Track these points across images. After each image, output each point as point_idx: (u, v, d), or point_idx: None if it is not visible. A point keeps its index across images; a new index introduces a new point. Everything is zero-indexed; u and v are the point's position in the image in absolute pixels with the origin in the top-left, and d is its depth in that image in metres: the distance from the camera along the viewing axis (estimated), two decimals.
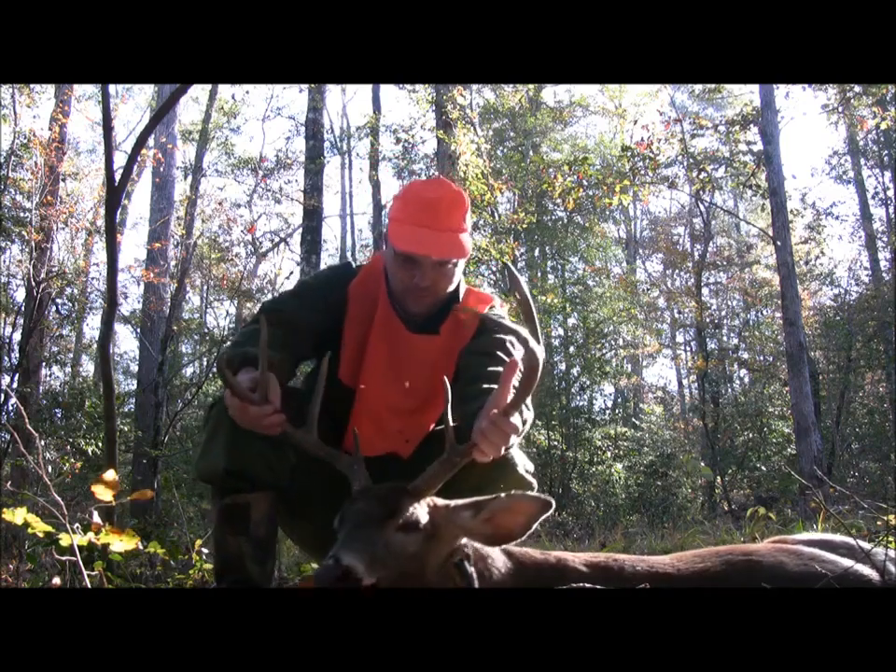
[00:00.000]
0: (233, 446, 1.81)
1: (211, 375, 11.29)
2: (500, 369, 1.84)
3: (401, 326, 2.03)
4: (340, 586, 1.30)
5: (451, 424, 1.53)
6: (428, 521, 1.49)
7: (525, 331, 2.05)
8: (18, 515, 1.82)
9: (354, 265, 2.17)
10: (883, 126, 9.72)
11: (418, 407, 2.01)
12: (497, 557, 1.61)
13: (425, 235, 1.90)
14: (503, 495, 1.52)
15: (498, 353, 1.92)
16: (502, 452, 1.56)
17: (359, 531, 1.42)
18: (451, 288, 2.05)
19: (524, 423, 1.76)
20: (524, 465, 1.85)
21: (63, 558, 1.88)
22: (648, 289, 17.45)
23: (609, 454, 11.20)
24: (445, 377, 1.65)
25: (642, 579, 1.59)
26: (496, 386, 1.72)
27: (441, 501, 1.54)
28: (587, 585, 1.43)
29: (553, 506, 1.49)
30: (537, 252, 15.99)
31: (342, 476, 1.71)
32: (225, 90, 14.68)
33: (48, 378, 10.91)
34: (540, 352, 1.54)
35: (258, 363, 1.66)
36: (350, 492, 1.60)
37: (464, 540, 1.55)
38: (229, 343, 1.99)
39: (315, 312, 1.96)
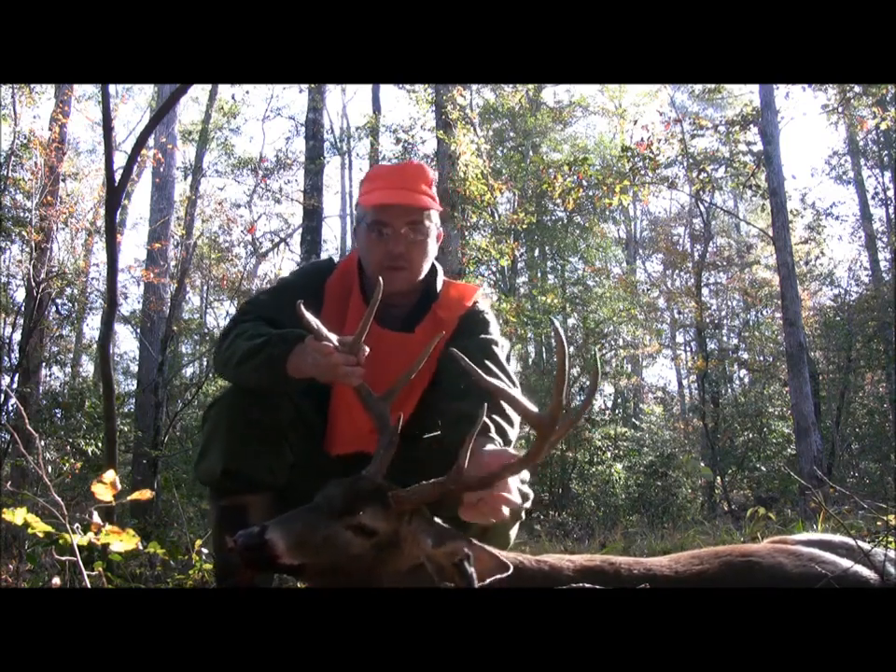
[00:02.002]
0: (231, 447, 1.80)
1: (211, 375, 11.29)
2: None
3: (373, 322, 2.01)
4: (249, 555, 1.32)
5: (467, 455, 1.45)
6: (390, 531, 1.45)
7: (499, 333, 2.05)
8: (18, 515, 1.82)
9: (335, 261, 2.15)
10: (883, 126, 9.73)
11: (392, 407, 1.94)
12: None
13: (395, 191, 1.94)
14: (464, 540, 1.47)
15: (483, 360, 1.87)
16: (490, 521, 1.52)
17: (308, 514, 1.42)
18: (425, 267, 2.02)
19: (524, 498, 1.76)
20: (519, 476, 1.78)
21: (63, 558, 1.88)
22: (648, 289, 17.45)
23: (608, 454, 11.19)
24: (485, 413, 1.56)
25: (639, 582, 1.56)
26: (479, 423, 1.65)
27: (420, 516, 1.50)
28: (587, 585, 1.43)
29: (510, 570, 1.44)
30: (536, 252, 16.01)
31: (339, 476, 1.70)
32: (225, 90, 14.67)
33: (48, 378, 10.91)
34: (546, 418, 1.44)
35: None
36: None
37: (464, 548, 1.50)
38: (238, 336, 1.91)
39: (292, 309, 1.93)
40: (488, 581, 1.43)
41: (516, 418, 1.80)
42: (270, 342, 1.77)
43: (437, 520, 1.52)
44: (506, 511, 1.52)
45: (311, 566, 1.38)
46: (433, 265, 2.10)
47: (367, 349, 1.67)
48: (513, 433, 1.81)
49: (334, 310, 1.98)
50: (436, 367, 1.97)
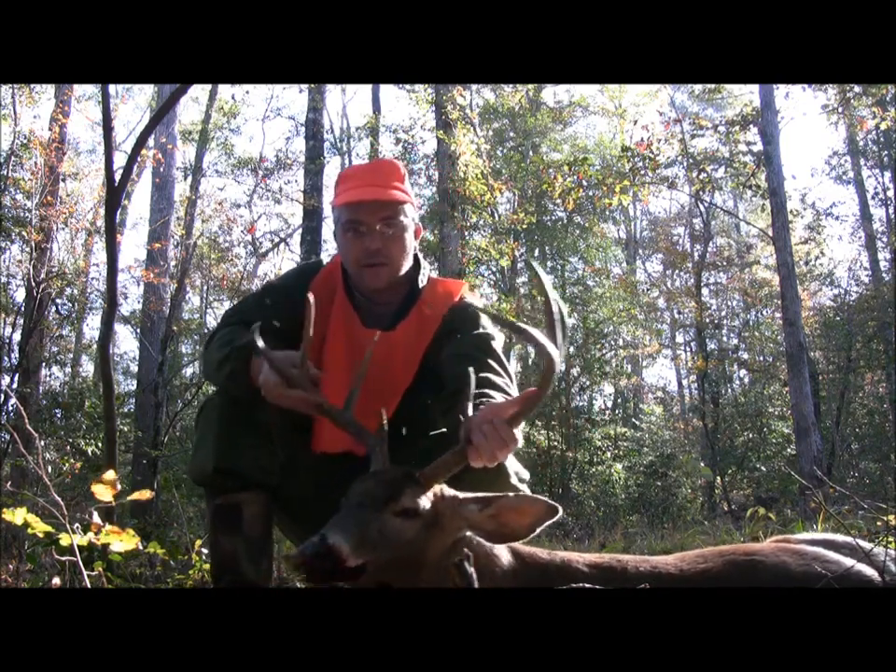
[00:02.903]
0: (222, 445, 1.81)
1: None
2: (489, 375, 1.83)
3: (358, 321, 2.01)
4: (319, 564, 1.30)
5: (470, 415, 1.53)
6: (431, 509, 1.48)
7: (491, 325, 2.06)
8: (18, 515, 1.82)
9: (324, 263, 2.15)
10: (883, 126, 9.73)
11: (377, 406, 1.91)
12: (504, 556, 1.62)
13: (367, 188, 1.95)
14: (512, 494, 1.53)
15: (482, 356, 1.89)
16: (496, 462, 1.53)
17: (355, 512, 1.43)
18: (405, 262, 2.01)
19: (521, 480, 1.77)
20: (516, 473, 1.81)
21: (63, 558, 1.88)
22: (648, 290, 17.45)
23: (608, 454, 11.19)
24: (471, 368, 1.61)
25: (645, 579, 1.58)
26: (491, 392, 1.71)
27: (449, 491, 1.54)
28: (587, 585, 1.43)
29: (560, 512, 1.50)
30: (537, 252, 15.99)
31: (328, 475, 1.71)
32: (225, 90, 14.67)
33: (48, 378, 10.92)
34: (556, 355, 1.49)
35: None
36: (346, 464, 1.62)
37: (469, 534, 1.55)
38: (213, 342, 1.92)
39: (277, 312, 1.93)
40: (539, 528, 1.50)
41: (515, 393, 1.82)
42: (230, 356, 1.80)
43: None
44: (509, 449, 1.53)
45: (372, 563, 1.38)
46: (417, 261, 2.09)
47: (317, 372, 1.70)
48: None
49: (318, 310, 1.97)
50: (420, 364, 1.96)
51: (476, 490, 1.59)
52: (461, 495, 1.54)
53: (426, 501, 1.48)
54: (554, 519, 1.50)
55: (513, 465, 1.82)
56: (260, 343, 1.66)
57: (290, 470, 1.90)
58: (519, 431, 1.54)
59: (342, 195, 1.99)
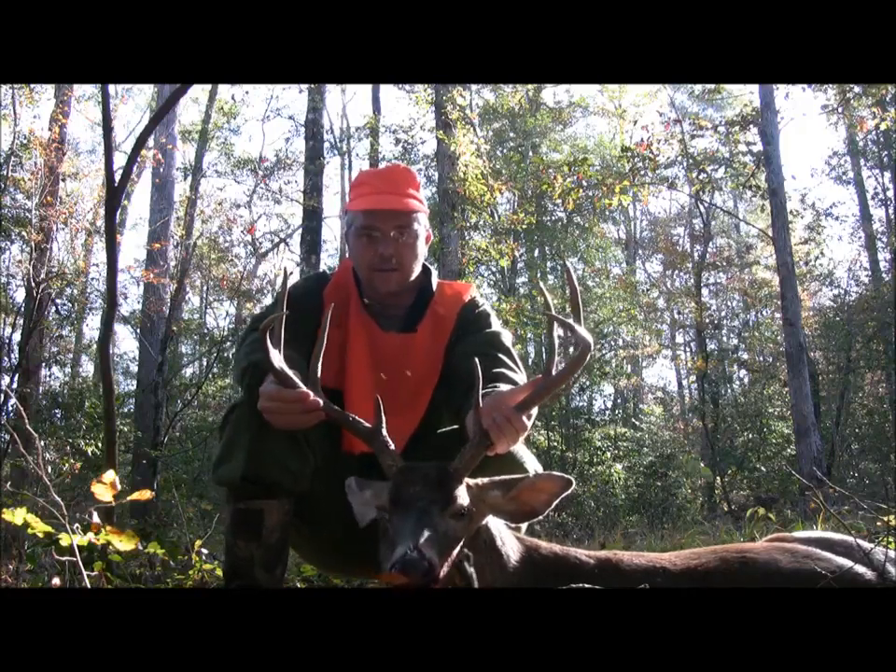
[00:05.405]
0: (252, 453, 1.79)
1: (211, 376, 11.30)
2: (504, 370, 1.88)
3: (375, 326, 2.05)
4: (422, 580, 1.31)
5: (481, 406, 1.56)
6: (470, 504, 1.52)
7: (500, 323, 2.11)
8: (18, 515, 1.82)
9: (328, 273, 2.20)
10: (883, 127, 9.72)
11: (401, 408, 1.94)
12: (513, 544, 1.66)
13: (383, 196, 2.00)
14: (531, 475, 1.60)
15: (494, 352, 1.94)
16: (507, 449, 1.60)
17: (424, 519, 1.43)
18: (416, 267, 2.07)
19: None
20: (533, 467, 1.85)
21: (63, 558, 1.88)
22: (647, 290, 17.45)
23: (608, 454, 11.19)
24: (477, 360, 1.64)
25: (639, 571, 1.63)
26: (505, 386, 1.75)
27: (470, 481, 1.57)
28: (586, 585, 1.44)
29: (574, 484, 1.55)
30: (536, 252, 15.99)
31: (366, 476, 1.72)
32: (225, 90, 14.67)
33: (47, 378, 10.93)
34: (588, 337, 1.59)
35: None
36: (379, 466, 1.60)
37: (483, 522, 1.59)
38: (241, 347, 1.96)
39: (295, 320, 1.91)
40: (556, 501, 1.56)
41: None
42: (247, 371, 1.83)
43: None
44: (520, 435, 1.58)
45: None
46: (426, 266, 2.16)
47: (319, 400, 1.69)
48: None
49: (334, 317, 1.99)
50: (442, 364, 2.01)
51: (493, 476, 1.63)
52: (480, 481, 1.58)
53: (466, 497, 1.52)
54: (569, 492, 1.56)
55: (530, 459, 1.87)
56: (277, 363, 1.65)
57: (322, 472, 1.89)
58: (527, 418, 1.58)
59: (357, 200, 2.03)
